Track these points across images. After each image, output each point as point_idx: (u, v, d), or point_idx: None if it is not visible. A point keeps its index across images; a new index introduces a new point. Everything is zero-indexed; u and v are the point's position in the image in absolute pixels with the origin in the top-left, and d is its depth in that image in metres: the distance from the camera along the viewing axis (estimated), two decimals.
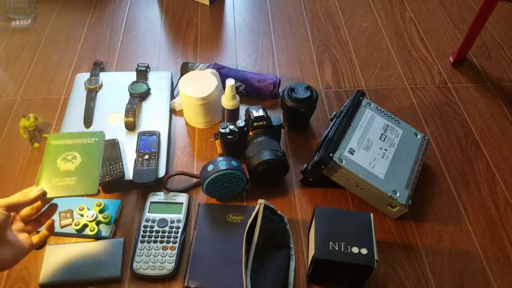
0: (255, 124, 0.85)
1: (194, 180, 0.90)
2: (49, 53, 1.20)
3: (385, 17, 1.34)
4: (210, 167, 0.83)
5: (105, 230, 0.81)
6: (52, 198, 0.71)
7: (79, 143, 0.76)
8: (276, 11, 1.35)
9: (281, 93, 0.97)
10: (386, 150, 0.86)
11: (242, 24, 1.31)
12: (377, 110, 0.92)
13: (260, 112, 0.87)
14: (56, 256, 0.77)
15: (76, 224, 0.81)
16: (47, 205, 0.71)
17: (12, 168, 0.92)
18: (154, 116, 1.00)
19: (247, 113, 0.88)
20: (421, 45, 1.24)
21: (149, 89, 1.05)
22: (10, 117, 1.03)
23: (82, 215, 0.82)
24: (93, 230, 0.80)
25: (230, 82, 0.90)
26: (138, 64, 1.09)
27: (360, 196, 0.86)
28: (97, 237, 0.80)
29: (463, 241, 0.82)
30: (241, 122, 0.87)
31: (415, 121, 1.03)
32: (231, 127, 0.86)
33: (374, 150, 0.85)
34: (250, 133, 0.87)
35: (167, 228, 0.80)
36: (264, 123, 0.86)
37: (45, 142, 0.92)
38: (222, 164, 0.82)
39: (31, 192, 0.66)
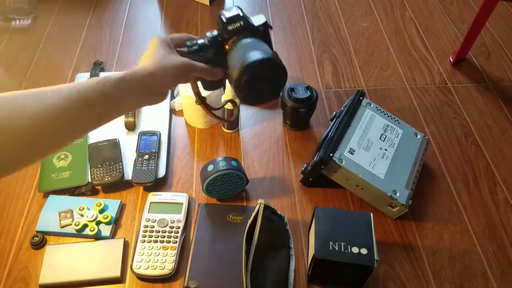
0: (229, 28, 0.61)
1: (196, 179, 0.90)
2: (49, 53, 1.20)
3: (385, 17, 1.34)
4: (210, 167, 0.83)
5: (105, 230, 0.81)
6: (52, 190, 0.85)
7: None
8: (276, 11, 1.35)
9: (281, 93, 0.97)
10: (386, 150, 0.86)
11: None
12: (377, 110, 0.92)
13: (234, 11, 0.62)
14: (56, 256, 0.77)
15: (76, 224, 0.81)
16: None
17: None
18: (154, 116, 1.00)
19: (219, 18, 0.63)
20: (421, 45, 1.24)
21: None
22: None
23: (82, 215, 0.82)
24: (93, 230, 0.80)
25: None
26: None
27: (360, 196, 0.86)
28: (97, 237, 0.80)
29: (463, 241, 0.82)
30: (212, 32, 0.63)
31: (415, 121, 1.03)
32: (201, 41, 0.62)
33: (374, 150, 0.85)
34: (229, 43, 0.62)
35: (167, 228, 0.80)
36: (242, 23, 0.61)
37: None
38: (222, 164, 0.82)
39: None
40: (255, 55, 0.58)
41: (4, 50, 1.21)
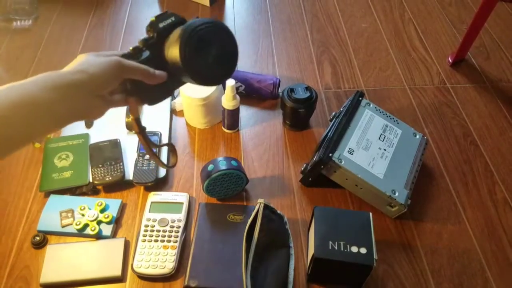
0: (161, 25, 0.56)
1: (195, 180, 0.90)
2: (50, 54, 1.21)
3: (384, 18, 1.34)
4: (210, 167, 0.83)
5: (106, 229, 0.81)
6: (53, 190, 0.86)
7: (70, 144, 0.93)
8: (276, 12, 1.36)
9: (280, 94, 0.98)
10: (385, 150, 0.87)
11: (242, 25, 1.31)
12: (376, 110, 0.93)
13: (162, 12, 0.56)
14: (57, 256, 0.77)
15: (77, 223, 0.81)
16: None
17: (14, 167, 0.93)
18: (154, 117, 1.00)
19: (148, 24, 0.56)
20: (420, 45, 1.25)
21: None
22: None
23: (83, 215, 0.82)
24: (94, 229, 0.81)
25: (230, 82, 0.90)
26: None
27: (360, 195, 0.86)
28: (98, 236, 0.81)
29: (462, 241, 0.83)
30: (144, 37, 0.56)
31: (414, 121, 1.04)
32: (131, 48, 0.55)
33: (373, 150, 0.86)
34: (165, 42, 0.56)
35: (167, 228, 0.80)
36: (173, 19, 0.56)
37: (45, 142, 0.94)
38: (222, 164, 0.83)
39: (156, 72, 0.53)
40: (197, 22, 0.52)
41: (5, 51, 1.22)
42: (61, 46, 1.23)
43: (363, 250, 0.69)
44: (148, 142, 0.60)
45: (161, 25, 0.55)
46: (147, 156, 0.90)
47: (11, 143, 0.42)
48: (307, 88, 0.95)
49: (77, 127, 0.98)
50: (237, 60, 0.57)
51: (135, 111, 0.57)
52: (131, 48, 0.54)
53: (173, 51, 0.52)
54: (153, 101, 0.58)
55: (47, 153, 0.92)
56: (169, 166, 0.66)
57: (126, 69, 0.50)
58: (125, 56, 0.53)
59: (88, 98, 0.47)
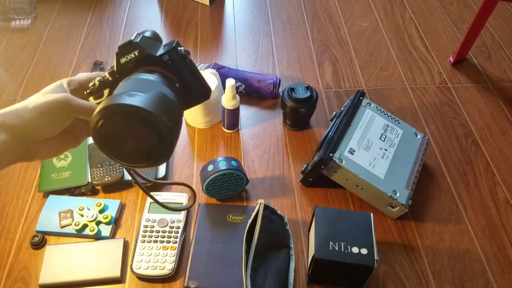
0: (122, 61, 0.45)
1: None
2: (49, 53, 1.20)
3: (385, 17, 1.34)
4: (210, 167, 0.83)
5: (105, 230, 0.81)
6: (52, 190, 0.86)
7: None
8: (276, 11, 1.35)
9: (281, 93, 0.97)
10: (386, 150, 0.86)
11: (242, 24, 1.31)
12: (377, 110, 0.93)
13: (131, 38, 0.45)
14: (56, 256, 0.77)
15: (76, 224, 0.81)
16: None
17: (13, 167, 0.92)
18: None
19: None
20: (421, 45, 1.24)
21: None
22: None
23: (82, 215, 0.82)
24: (93, 230, 0.80)
25: (230, 82, 0.90)
26: None
27: (360, 196, 0.86)
28: (97, 237, 0.80)
29: (463, 241, 0.82)
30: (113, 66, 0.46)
31: (415, 121, 1.03)
32: (97, 79, 0.47)
33: (374, 150, 0.85)
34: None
35: (167, 228, 0.80)
36: (136, 53, 0.44)
37: None
38: (222, 164, 0.82)
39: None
40: (118, 99, 0.38)
41: (4, 50, 1.21)
42: (60, 45, 1.23)
43: (364, 251, 0.69)
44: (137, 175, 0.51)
45: (122, 60, 0.45)
46: None
47: None
48: (308, 88, 0.95)
49: None
50: (168, 152, 0.41)
51: None
52: (96, 80, 0.46)
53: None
54: None
55: None
56: (178, 209, 0.55)
57: (75, 110, 0.44)
58: (90, 92, 0.46)
59: (29, 144, 0.42)
